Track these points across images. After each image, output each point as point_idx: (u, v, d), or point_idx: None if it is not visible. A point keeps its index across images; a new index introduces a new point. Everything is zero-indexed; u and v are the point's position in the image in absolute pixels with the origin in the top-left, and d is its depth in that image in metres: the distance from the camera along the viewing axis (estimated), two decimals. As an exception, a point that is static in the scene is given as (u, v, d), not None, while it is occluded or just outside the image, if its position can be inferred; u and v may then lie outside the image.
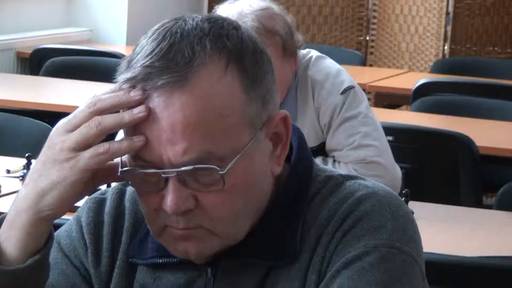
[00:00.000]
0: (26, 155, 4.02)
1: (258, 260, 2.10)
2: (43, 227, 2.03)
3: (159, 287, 2.15)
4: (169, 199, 1.99)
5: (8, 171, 4.30)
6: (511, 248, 3.59)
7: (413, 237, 2.10)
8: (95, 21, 8.86)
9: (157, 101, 1.97)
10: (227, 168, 1.98)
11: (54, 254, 2.13)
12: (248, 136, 2.02)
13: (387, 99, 7.40)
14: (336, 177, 2.17)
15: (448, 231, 3.90)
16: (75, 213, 2.25)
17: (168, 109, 1.96)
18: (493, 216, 4.26)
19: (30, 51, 7.76)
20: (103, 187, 2.30)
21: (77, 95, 5.91)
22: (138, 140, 1.98)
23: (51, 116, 4.82)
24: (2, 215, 2.07)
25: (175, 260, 2.11)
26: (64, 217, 2.09)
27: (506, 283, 3.30)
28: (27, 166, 4.11)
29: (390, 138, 4.20)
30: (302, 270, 2.08)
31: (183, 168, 1.97)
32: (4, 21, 8.10)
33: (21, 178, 4.20)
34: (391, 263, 2.04)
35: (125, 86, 2.00)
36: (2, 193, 4.07)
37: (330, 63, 4.30)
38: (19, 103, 5.87)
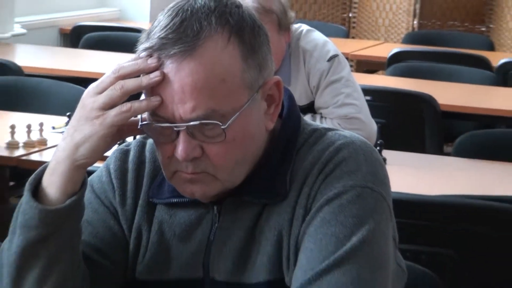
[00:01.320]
0: (67, 114, 4.01)
1: (254, 199, 2.12)
2: (78, 173, 2.06)
3: (174, 222, 2.17)
4: (180, 148, 2.01)
5: (53, 128, 4.30)
6: (465, 187, 3.60)
7: (383, 180, 2.12)
8: (123, 2, 8.85)
9: (170, 67, 1.99)
10: (227, 124, 2.01)
11: (88, 196, 2.15)
12: (246, 97, 2.04)
13: (366, 65, 7.38)
14: (320, 129, 2.18)
15: (415, 174, 3.90)
16: (105, 162, 2.27)
17: (179, 73, 1.99)
18: (451, 162, 4.26)
19: (70, 28, 7.77)
20: (130, 139, 2.31)
21: (108, 64, 5.89)
22: (154, 100, 2.01)
23: (87, 81, 4.80)
24: (44, 164, 2.10)
25: (187, 200, 2.13)
26: (95, 165, 2.11)
27: (461, 215, 3.31)
28: (68, 123, 4.08)
29: (368, 98, 4.19)
30: (291, 206, 2.10)
31: (191, 123, 2.00)
32: (49, 3, 8.09)
33: (63, 133, 4.18)
34: (365, 200, 2.06)
35: (144, 54, 2.03)
36: (48, 146, 4.08)
37: (318, 35, 4.29)
38: (61, 71, 5.84)
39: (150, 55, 2.02)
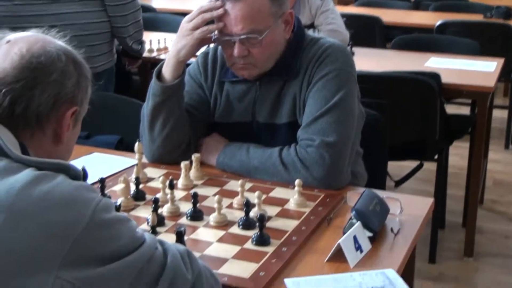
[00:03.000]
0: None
1: (279, 76, 2.05)
2: (180, 66, 2.02)
3: (234, 91, 2.12)
4: (236, 51, 1.96)
5: (171, 41, 4.18)
6: (397, 66, 3.46)
7: (352, 64, 2.06)
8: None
9: (228, 6, 1.93)
10: (262, 36, 1.94)
11: (186, 78, 2.11)
12: (272, 22, 1.96)
13: (343, 1, 7.14)
14: (315, 37, 2.11)
15: (370, 60, 3.76)
16: (195, 59, 2.20)
17: (234, 9, 1.93)
18: (390, 53, 4.14)
19: None
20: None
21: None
22: (220, 24, 1.95)
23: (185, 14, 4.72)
24: (163, 61, 2.06)
25: (241, 78, 2.07)
26: (190, 61, 2.08)
27: (394, 81, 3.22)
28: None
29: (344, 19, 4.03)
30: (300, 81, 2.04)
31: (241, 36, 1.94)
32: None
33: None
34: (342, 76, 2.00)
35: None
36: (168, 51, 3.98)
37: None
38: (173, 10, 5.68)
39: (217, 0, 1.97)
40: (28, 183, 1.15)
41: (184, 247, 1.33)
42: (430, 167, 3.67)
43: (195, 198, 1.72)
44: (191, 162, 1.95)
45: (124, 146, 2.35)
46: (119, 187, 1.78)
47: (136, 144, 1.95)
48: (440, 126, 3.24)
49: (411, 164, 3.49)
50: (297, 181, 1.81)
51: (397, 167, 3.84)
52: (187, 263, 1.29)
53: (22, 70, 1.24)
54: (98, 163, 2.09)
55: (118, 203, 1.66)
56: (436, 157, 3.39)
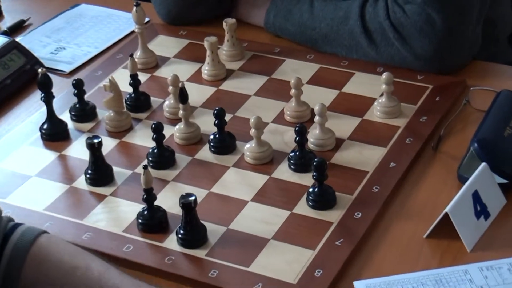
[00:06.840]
0: None
1: None
2: None
3: None
4: None
5: None
6: None
7: None
8: None
9: None
10: None
11: None
12: None
13: None
14: None
15: None
16: None
17: None
18: None
19: None
20: None
21: None
22: None
23: None
24: None
25: None
26: None
27: None
28: None
29: None
30: None
31: None
32: None
33: None
34: None
35: None
36: None
37: None
38: None
39: None
40: None
41: None
42: None
43: (220, 119, 1.14)
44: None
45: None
46: (105, 97, 1.21)
47: (134, 10, 1.31)
48: None
49: None
50: (385, 76, 1.18)
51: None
52: None
53: None
54: (87, 26, 1.49)
55: (99, 139, 1.10)
56: None
